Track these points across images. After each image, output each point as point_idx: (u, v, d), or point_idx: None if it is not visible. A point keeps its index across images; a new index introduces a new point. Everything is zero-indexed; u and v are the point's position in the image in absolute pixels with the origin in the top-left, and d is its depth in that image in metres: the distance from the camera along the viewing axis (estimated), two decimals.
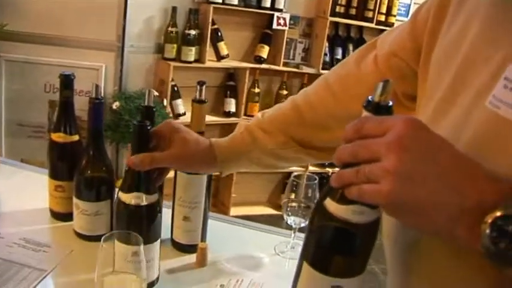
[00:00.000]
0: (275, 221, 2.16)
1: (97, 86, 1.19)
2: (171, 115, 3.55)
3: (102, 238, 0.88)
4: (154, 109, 1.19)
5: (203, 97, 1.15)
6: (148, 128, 1.03)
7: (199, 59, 3.73)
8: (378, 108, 0.63)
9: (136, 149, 1.03)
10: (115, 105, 3.34)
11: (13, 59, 3.46)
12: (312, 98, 1.09)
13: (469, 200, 0.56)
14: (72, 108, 1.31)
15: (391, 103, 0.64)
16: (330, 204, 0.66)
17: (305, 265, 0.71)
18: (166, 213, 1.28)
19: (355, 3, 4.21)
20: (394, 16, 4.36)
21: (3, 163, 1.65)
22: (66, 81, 1.27)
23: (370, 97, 0.64)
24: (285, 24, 3.92)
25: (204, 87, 1.14)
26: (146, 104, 1.18)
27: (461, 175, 0.57)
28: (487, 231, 0.54)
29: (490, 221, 0.54)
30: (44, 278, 1.10)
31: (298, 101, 1.10)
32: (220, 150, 1.09)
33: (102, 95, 3.43)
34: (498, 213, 0.53)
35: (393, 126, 0.59)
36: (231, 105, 3.97)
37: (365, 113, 0.64)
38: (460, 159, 0.59)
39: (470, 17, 0.75)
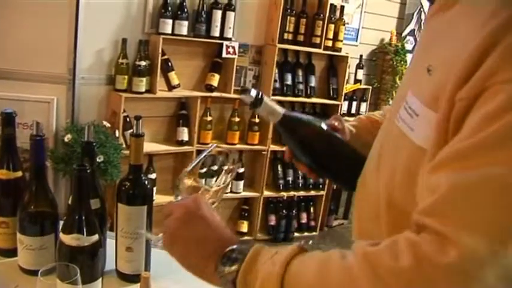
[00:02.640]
0: None
1: (37, 123, 1.23)
2: (123, 146, 3.55)
3: (40, 272, 0.91)
4: (94, 144, 1.23)
5: (140, 131, 1.20)
6: (88, 171, 1.07)
7: (151, 89, 3.75)
8: None
9: (76, 192, 1.07)
10: (67, 138, 3.33)
11: None
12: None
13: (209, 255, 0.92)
14: (15, 144, 1.33)
15: None
16: None
17: None
18: (110, 244, 1.31)
19: (302, 30, 4.32)
20: (341, 41, 4.50)
21: None
22: (8, 119, 1.30)
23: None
24: (234, 53, 3.99)
25: (140, 121, 1.19)
26: (86, 139, 1.22)
27: (202, 241, 0.94)
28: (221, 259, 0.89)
29: (223, 252, 0.89)
30: None
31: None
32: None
33: (54, 128, 3.50)
34: (228, 249, 0.89)
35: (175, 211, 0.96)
36: (184, 134, 3.99)
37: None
38: (207, 229, 0.94)
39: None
